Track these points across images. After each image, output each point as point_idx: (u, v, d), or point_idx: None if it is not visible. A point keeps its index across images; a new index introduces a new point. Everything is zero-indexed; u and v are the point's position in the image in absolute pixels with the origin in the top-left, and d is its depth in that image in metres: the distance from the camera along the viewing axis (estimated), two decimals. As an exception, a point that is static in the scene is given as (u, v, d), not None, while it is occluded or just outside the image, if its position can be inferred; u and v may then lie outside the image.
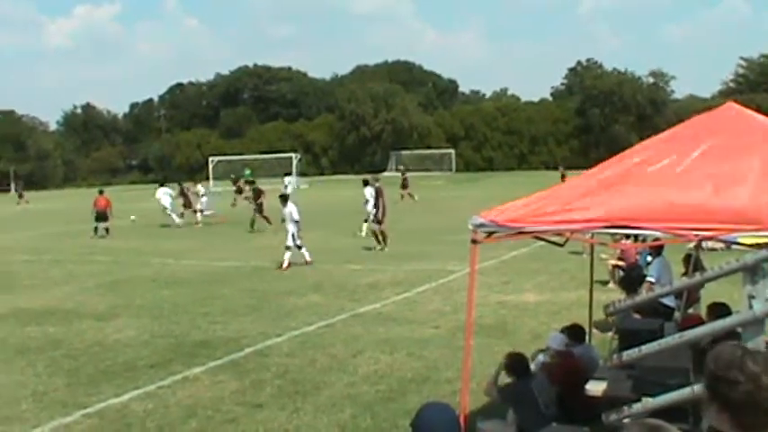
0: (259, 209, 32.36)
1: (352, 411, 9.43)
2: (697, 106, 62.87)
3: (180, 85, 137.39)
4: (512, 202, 7.23)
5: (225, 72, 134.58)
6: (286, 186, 44.99)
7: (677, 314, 10.96)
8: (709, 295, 10.88)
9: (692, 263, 11.31)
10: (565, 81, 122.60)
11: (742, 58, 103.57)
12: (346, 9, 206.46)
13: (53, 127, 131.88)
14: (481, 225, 6.87)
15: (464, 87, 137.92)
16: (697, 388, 6.11)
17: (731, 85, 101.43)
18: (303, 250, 21.80)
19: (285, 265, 21.28)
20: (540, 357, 8.77)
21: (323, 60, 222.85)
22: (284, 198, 22.89)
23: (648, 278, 11.83)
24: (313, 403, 9.81)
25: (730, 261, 6.22)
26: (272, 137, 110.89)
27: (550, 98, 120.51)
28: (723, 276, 6.50)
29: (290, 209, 22.04)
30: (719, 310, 8.00)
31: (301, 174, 79.58)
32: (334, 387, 10.47)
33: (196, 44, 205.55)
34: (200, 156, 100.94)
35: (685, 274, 11.42)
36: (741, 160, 6.75)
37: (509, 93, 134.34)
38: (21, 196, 58.28)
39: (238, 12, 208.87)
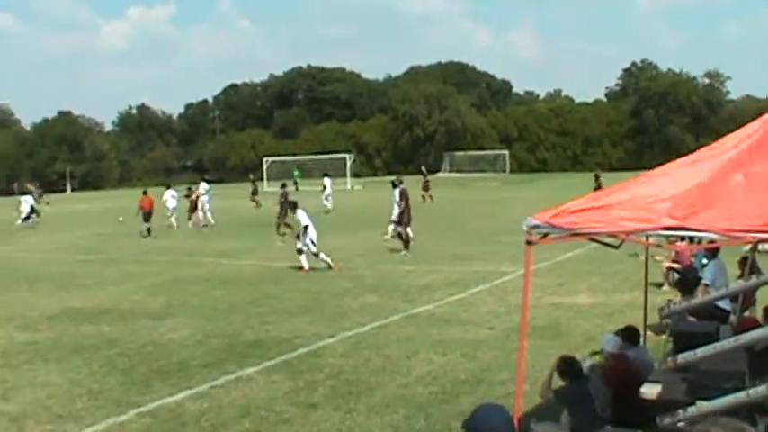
0: (281, 214, 30.42)
1: (406, 412, 9.44)
2: (753, 107, 61.99)
3: (234, 85, 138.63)
4: (566, 203, 7.20)
5: (279, 73, 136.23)
6: (324, 188, 45.00)
7: (733, 317, 10.83)
8: (765, 298, 10.76)
9: (748, 265, 11.20)
10: (619, 82, 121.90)
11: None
12: (399, 10, 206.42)
13: (108, 127, 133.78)
14: (536, 227, 6.85)
15: (518, 88, 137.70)
16: (752, 392, 6.05)
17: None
18: (322, 255, 21.29)
19: (306, 267, 21.09)
20: (588, 360, 8.71)
21: (376, 61, 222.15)
22: (293, 204, 22.62)
23: (704, 281, 11.70)
24: (366, 404, 9.84)
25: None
26: (326, 137, 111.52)
27: (605, 99, 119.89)
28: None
29: (300, 216, 21.70)
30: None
31: (355, 175, 79.93)
32: (388, 388, 10.49)
33: (250, 45, 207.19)
34: (255, 156, 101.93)
35: (741, 276, 11.28)
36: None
37: (563, 94, 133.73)
38: (40, 196, 58.54)
39: (291, 13, 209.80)
